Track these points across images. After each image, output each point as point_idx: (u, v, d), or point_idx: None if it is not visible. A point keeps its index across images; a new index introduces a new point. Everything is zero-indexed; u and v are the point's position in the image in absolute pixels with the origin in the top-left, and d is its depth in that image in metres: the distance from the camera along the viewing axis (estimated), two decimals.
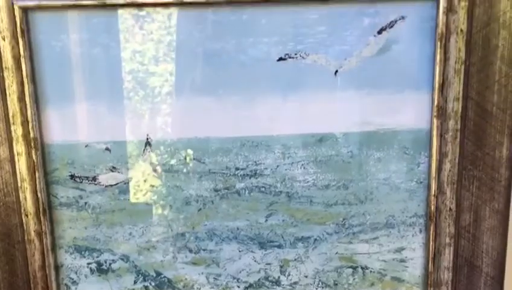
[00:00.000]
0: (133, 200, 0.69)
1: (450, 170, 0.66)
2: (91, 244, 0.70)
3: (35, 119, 0.65)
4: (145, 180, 0.68)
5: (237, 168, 0.68)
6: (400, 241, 0.69)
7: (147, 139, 0.67)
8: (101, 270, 0.71)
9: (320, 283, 0.71)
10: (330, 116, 0.66)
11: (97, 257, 0.71)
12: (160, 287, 0.72)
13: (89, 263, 0.71)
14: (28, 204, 0.65)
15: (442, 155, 0.66)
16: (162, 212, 0.69)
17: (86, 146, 0.67)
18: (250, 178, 0.68)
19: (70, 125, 0.67)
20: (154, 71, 0.64)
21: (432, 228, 0.67)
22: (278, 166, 0.68)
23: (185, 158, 0.67)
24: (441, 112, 0.64)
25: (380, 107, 0.66)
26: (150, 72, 0.64)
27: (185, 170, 0.68)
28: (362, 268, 0.70)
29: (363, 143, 0.67)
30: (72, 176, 0.68)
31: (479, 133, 0.65)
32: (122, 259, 0.71)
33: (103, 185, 0.68)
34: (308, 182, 0.68)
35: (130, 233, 0.70)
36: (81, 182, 0.68)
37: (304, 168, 0.68)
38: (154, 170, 0.68)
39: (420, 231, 0.69)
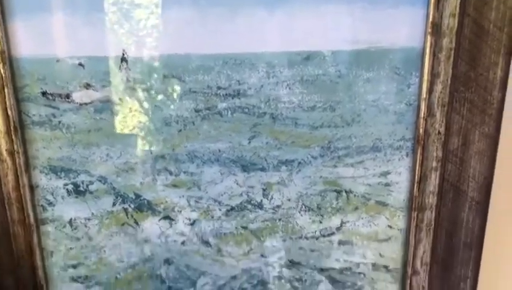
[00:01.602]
0: (116, 124, 0.65)
1: (441, 92, 0.63)
2: (67, 165, 0.68)
3: (2, 31, 0.60)
4: (121, 100, 0.64)
5: (219, 88, 0.65)
6: (385, 165, 0.67)
7: (123, 54, 0.63)
8: (78, 191, 0.69)
9: (304, 207, 0.69)
10: (318, 32, 0.62)
11: (74, 178, 0.68)
12: (140, 209, 0.70)
13: (65, 184, 0.68)
14: None
15: (434, 76, 0.62)
16: (140, 133, 0.66)
17: (57, 61, 0.62)
18: (232, 98, 0.65)
19: (41, 38, 0.62)
20: None
21: (419, 151, 0.65)
22: (262, 86, 0.64)
23: (164, 76, 0.63)
24: (436, 29, 0.61)
25: (372, 23, 0.62)
26: None
27: (163, 89, 0.64)
28: (346, 192, 0.69)
29: (352, 62, 0.63)
30: (44, 93, 0.64)
31: (474, 53, 0.62)
32: (99, 181, 0.69)
33: (77, 103, 0.64)
34: (293, 103, 0.65)
35: (108, 154, 0.67)
36: (54, 100, 0.64)
37: (290, 88, 0.64)
38: (131, 89, 0.64)
39: (407, 155, 0.67)
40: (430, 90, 0.63)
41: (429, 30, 0.61)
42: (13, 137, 0.64)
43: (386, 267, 0.72)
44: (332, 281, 0.73)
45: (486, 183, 0.67)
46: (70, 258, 0.72)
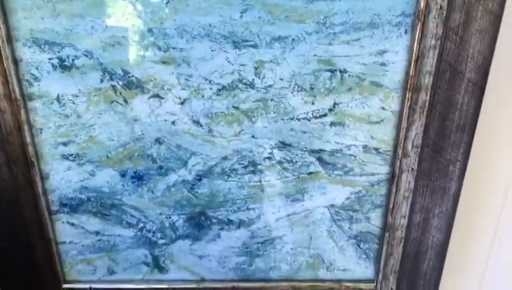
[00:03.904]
0: None
1: None
2: (50, 38, 0.65)
3: None
4: None
5: None
6: (383, 43, 0.65)
7: None
8: (64, 66, 0.66)
9: (296, 86, 0.68)
10: None
11: (58, 52, 0.66)
12: (129, 86, 0.68)
13: (50, 58, 0.66)
14: None
15: None
16: (126, 4, 0.62)
17: None
18: None
19: None
20: None
21: (418, 28, 0.62)
22: None
23: None
24: None
25: None
26: None
27: None
28: (341, 72, 0.67)
29: None
30: None
31: None
32: (85, 55, 0.66)
33: None
34: None
35: (92, 27, 0.64)
36: None
37: None
38: None
39: (405, 32, 0.64)
40: None
41: None
42: None
43: (376, 149, 0.72)
44: (323, 162, 0.73)
45: (486, 64, 0.65)
46: (60, 136, 0.71)
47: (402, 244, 0.76)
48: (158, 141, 0.72)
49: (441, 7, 0.61)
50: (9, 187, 0.72)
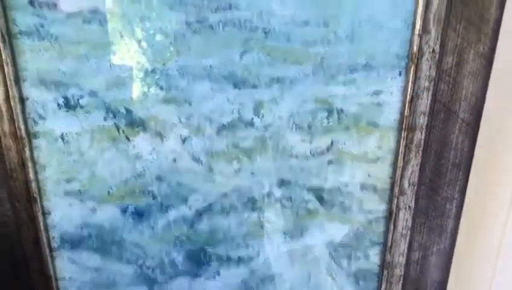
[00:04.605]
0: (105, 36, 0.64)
1: (437, 7, 0.61)
2: (57, 78, 0.67)
3: None
4: (109, 10, 0.63)
5: None
6: (378, 84, 0.67)
7: None
8: (69, 105, 0.68)
9: (294, 125, 0.69)
10: None
11: (64, 91, 0.68)
12: (131, 125, 0.70)
13: (55, 98, 0.68)
14: None
15: None
16: (130, 46, 0.65)
17: None
18: (224, 11, 0.63)
19: None
20: None
21: (412, 70, 0.65)
22: None
23: None
24: None
25: None
26: None
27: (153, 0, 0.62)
28: (338, 111, 0.69)
29: None
30: (31, 2, 0.62)
31: None
32: (90, 95, 0.68)
33: (64, 12, 0.63)
34: (286, 17, 0.63)
35: (97, 68, 0.67)
36: (41, 8, 0.62)
37: (283, 1, 0.63)
38: None
39: (400, 74, 0.66)
40: (427, 6, 0.61)
41: None
42: (1, 46, 0.63)
43: (374, 187, 0.73)
44: (321, 200, 0.74)
45: (478, 104, 0.67)
46: (63, 173, 0.73)
47: (401, 282, 0.76)
48: (159, 178, 0.73)
49: (433, 50, 0.63)
50: (12, 222, 0.73)
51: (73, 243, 0.76)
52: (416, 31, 0.62)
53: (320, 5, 0.63)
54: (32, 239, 0.74)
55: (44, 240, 0.75)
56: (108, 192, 0.74)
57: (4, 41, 0.63)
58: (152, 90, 0.68)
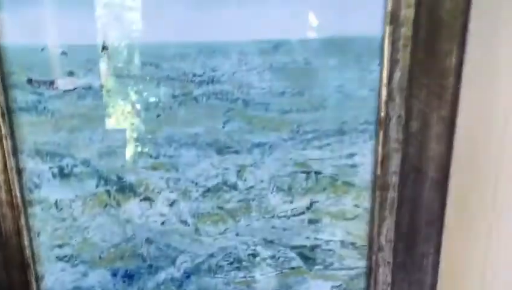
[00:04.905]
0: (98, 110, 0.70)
1: (400, 78, 0.68)
2: (52, 149, 0.72)
3: None
4: (102, 86, 0.69)
5: (194, 75, 0.69)
6: (351, 148, 0.72)
7: (103, 43, 0.67)
8: (63, 174, 0.73)
9: (275, 187, 0.74)
10: (285, 22, 0.67)
11: (59, 161, 0.73)
12: (122, 191, 0.74)
13: (50, 167, 0.73)
14: None
15: (393, 63, 0.67)
16: (120, 118, 0.71)
17: (42, 50, 0.67)
18: (207, 84, 0.70)
19: (26, 28, 0.67)
20: None
21: (381, 134, 0.70)
22: (234, 73, 0.69)
23: (142, 64, 0.68)
24: (394, 19, 0.65)
25: (335, 13, 0.66)
26: None
27: (142, 76, 0.69)
28: (315, 173, 0.74)
29: (317, 50, 0.68)
30: (30, 80, 0.68)
31: (430, 41, 0.66)
32: (83, 164, 0.73)
33: (61, 89, 0.69)
34: (264, 89, 0.70)
35: (90, 138, 0.72)
36: (39, 87, 0.69)
37: (260, 75, 0.69)
38: (111, 76, 0.68)
39: (370, 138, 0.72)
40: (390, 77, 0.68)
41: (387, 20, 0.65)
42: (1, 122, 0.68)
43: (353, 244, 0.77)
44: (304, 257, 0.77)
45: (445, 163, 0.72)
46: (56, 238, 0.76)
47: None
48: (148, 240, 0.77)
49: (399, 116, 0.69)
50: (5, 287, 0.76)
51: None
52: (383, 99, 0.68)
53: (294, 77, 0.69)
54: None
55: None
56: (100, 256, 0.77)
57: (4, 118, 0.68)
58: (141, 158, 0.73)
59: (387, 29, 0.66)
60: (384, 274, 0.76)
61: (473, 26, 0.66)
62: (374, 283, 0.76)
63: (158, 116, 0.71)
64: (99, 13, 0.65)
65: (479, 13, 0.66)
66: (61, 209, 0.75)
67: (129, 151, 0.72)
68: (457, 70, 0.68)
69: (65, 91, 0.69)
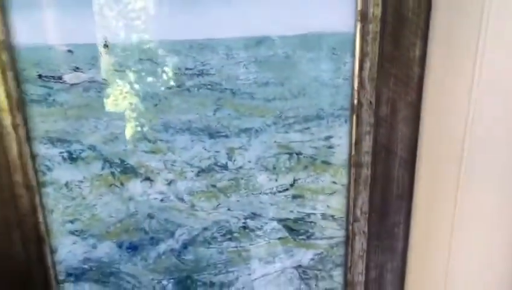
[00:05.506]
0: (101, 101, 0.78)
1: (370, 68, 0.76)
2: (61, 136, 0.81)
3: (3, 22, 0.72)
4: (104, 80, 0.78)
5: (187, 68, 0.78)
6: (328, 131, 0.81)
7: (105, 41, 0.75)
8: (72, 158, 0.82)
9: (262, 167, 0.83)
10: (267, 20, 0.75)
11: (67, 147, 0.82)
12: (125, 172, 0.83)
13: (60, 152, 0.82)
14: (2, 100, 0.75)
15: (364, 55, 0.76)
16: (122, 108, 0.80)
17: (49, 48, 0.75)
18: (198, 77, 0.78)
19: (35, 28, 0.75)
20: None
21: (354, 118, 0.79)
22: (222, 66, 0.77)
23: (140, 59, 0.76)
24: (363, 17, 0.73)
25: (312, 12, 0.75)
26: None
27: (140, 70, 0.77)
28: (297, 154, 0.83)
29: (296, 45, 0.76)
30: (40, 76, 0.77)
31: (396, 35, 0.75)
32: (89, 149, 0.82)
33: (68, 83, 0.77)
34: (249, 80, 0.78)
35: (95, 126, 0.81)
36: (48, 81, 0.77)
37: (246, 67, 0.78)
38: (113, 71, 0.77)
39: (345, 121, 0.80)
40: (361, 67, 0.76)
41: (358, 17, 0.73)
42: (16, 113, 0.77)
43: (332, 216, 0.86)
44: (289, 229, 0.87)
45: (413, 143, 0.81)
46: (68, 215, 0.86)
47: None
48: (149, 216, 0.86)
49: (370, 102, 0.78)
50: (23, 261, 0.86)
51: (77, 276, 0.89)
52: (355, 87, 0.77)
53: (277, 70, 0.78)
54: (42, 275, 0.86)
55: (52, 275, 0.87)
56: (107, 230, 0.87)
57: (18, 109, 0.77)
58: (141, 142, 0.82)
59: (358, 25, 0.74)
60: (360, 242, 0.86)
61: (434, 20, 0.74)
62: (351, 250, 0.86)
63: (155, 105, 0.79)
64: (100, 16, 0.74)
65: (440, 8, 0.74)
66: (71, 189, 0.84)
67: (130, 137, 0.81)
68: (421, 60, 0.76)
69: (72, 85, 0.77)
